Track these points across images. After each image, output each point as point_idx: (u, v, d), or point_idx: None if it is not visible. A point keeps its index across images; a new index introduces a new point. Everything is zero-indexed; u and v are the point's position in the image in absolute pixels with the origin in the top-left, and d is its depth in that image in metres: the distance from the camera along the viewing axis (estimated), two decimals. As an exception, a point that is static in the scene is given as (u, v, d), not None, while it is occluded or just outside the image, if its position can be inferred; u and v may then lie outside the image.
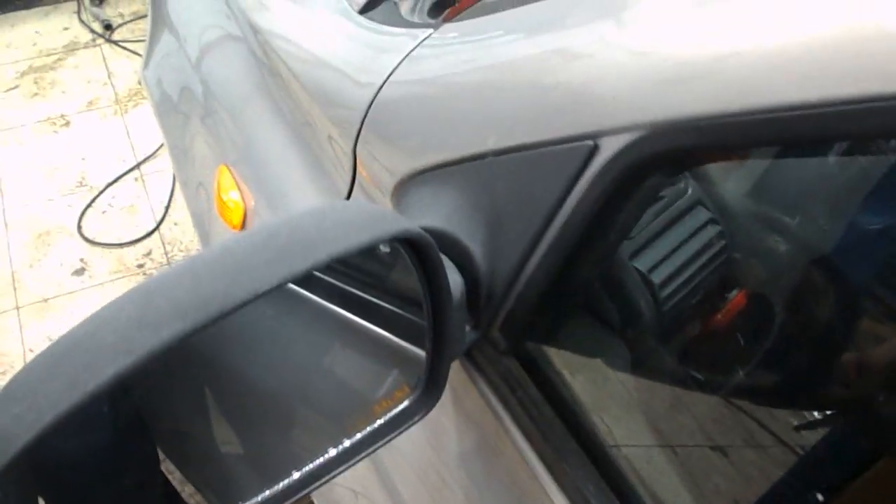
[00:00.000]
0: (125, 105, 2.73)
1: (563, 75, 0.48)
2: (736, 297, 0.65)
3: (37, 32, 3.07)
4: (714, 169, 0.61)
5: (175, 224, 2.34)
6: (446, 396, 0.57)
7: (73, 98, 2.77)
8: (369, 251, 0.43)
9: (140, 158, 2.53)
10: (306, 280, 0.59)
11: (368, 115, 0.67)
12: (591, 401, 0.58)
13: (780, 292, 0.62)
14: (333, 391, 0.63)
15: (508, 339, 0.57)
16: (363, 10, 0.82)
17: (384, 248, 0.46)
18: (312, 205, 0.83)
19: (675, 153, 0.42)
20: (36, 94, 2.79)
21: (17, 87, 2.82)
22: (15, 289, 2.18)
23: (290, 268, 0.37)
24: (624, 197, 0.46)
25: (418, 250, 0.44)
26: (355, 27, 0.77)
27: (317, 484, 0.51)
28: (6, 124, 2.66)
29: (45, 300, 2.15)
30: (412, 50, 0.64)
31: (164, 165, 2.50)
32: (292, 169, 0.87)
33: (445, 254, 0.53)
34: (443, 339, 0.50)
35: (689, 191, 0.64)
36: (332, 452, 0.53)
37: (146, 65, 1.46)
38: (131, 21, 3.12)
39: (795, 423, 0.54)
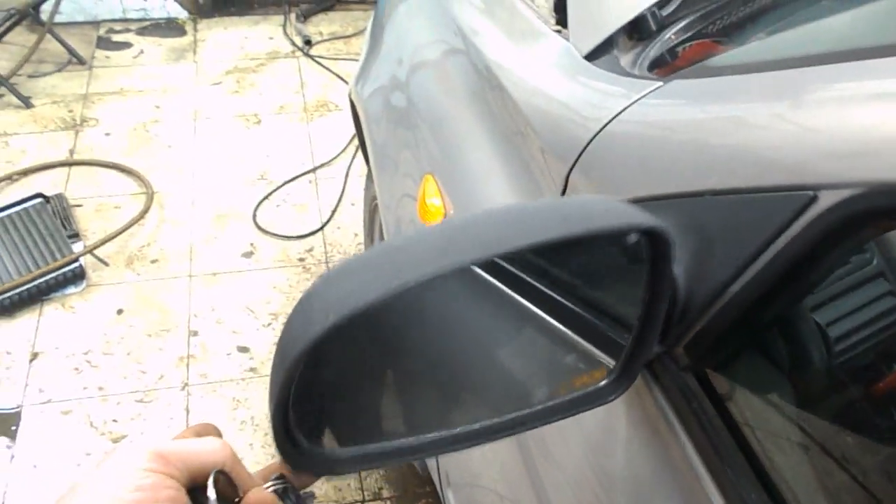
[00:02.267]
0: (311, 114, 2.98)
1: (789, 133, 0.55)
2: (902, 369, 0.69)
3: (245, 38, 3.40)
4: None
5: (338, 228, 2.53)
6: (620, 400, 0.66)
7: (268, 100, 3.04)
8: (616, 239, 0.53)
9: (317, 164, 2.75)
10: (533, 266, 0.68)
11: (589, 146, 0.77)
12: (755, 423, 0.64)
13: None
14: (518, 368, 0.72)
15: (690, 357, 0.64)
16: (587, 58, 0.93)
17: (632, 238, 0.55)
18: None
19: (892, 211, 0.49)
20: (236, 92, 3.09)
21: (221, 82, 3.13)
22: (191, 259, 2.41)
23: (566, 229, 0.46)
24: (830, 247, 0.53)
25: (658, 247, 0.53)
26: (583, 71, 0.88)
27: (486, 440, 0.58)
28: (207, 114, 2.96)
29: (215, 274, 2.37)
30: (642, 97, 0.74)
31: (336, 173, 2.71)
32: (497, 182, 0.98)
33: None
34: (649, 332, 0.58)
35: (875, 261, 0.69)
36: (512, 416, 0.61)
37: (358, 80, 1.63)
38: (328, 40, 3.41)
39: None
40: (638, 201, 0.70)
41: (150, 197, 2.56)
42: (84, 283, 2.30)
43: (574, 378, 0.66)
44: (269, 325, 2.23)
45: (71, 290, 2.28)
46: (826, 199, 0.51)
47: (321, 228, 2.52)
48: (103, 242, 2.35)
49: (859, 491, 0.66)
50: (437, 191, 1.08)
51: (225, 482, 0.43)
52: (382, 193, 1.43)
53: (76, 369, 2.10)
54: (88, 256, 2.34)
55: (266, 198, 2.62)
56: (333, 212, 2.57)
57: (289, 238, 2.49)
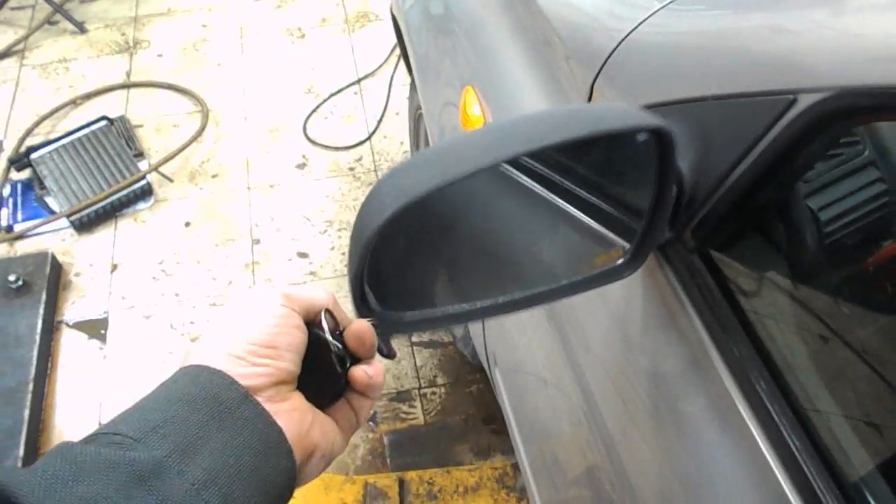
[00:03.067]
0: (353, 25, 3.04)
1: (774, 45, 0.64)
2: (889, 246, 0.79)
3: (285, -49, 3.43)
4: (889, 137, 0.76)
5: (384, 137, 2.64)
6: (638, 277, 0.77)
7: (310, 13, 3.11)
8: (627, 137, 0.63)
9: (361, 75, 2.83)
10: (552, 164, 0.79)
11: (612, 56, 0.86)
12: (753, 297, 0.75)
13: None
14: (548, 248, 0.84)
15: (696, 240, 0.75)
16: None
17: (641, 137, 0.65)
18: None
19: (859, 110, 0.58)
20: (279, 6, 3.15)
21: (264, -2, 3.20)
22: (248, 172, 2.55)
23: (586, 129, 0.57)
24: (808, 142, 0.63)
25: (663, 144, 0.64)
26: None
27: (524, 308, 0.70)
28: (252, 30, 3.04)
29: (271, 185, 2.51)
30: (658, 10, 0.82)
31: (381, 83, 2.79)
32: (529, 90, 1.07)
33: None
34: (657, 219, 0.69)
35: (866, 152, 0.78)
36: (544, 288, 0.73)
37: (399, -7, 1.70)
38: (366, -52, 3.42)
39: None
40: (654, 106, 0.79)
41: (206, 115, 2.69)
42: (152, 199, 2.47)
43: (596, 257, 0.77)
44: (325, 231, 2.38)
45: (141, 205, 2.46)
46: (804, 102, 0.61)
47: (368, 138, 2.63)
48: (166, 160, 2.51)
49: (847, 354, 0.78)
50: (477, 99, 1.18)
51: (331, 318, 0.56)
52: (426, 102, 1.53)
53: (153, 277, 2.29)
54: (154, 174, 2.50)
55: (314, 110, 2.72)
56: (379, 122, 2.67)
57: (338, 149, 2.61)
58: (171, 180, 2.52)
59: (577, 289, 0.72)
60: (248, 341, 0.51)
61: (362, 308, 0.58)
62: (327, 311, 0.56)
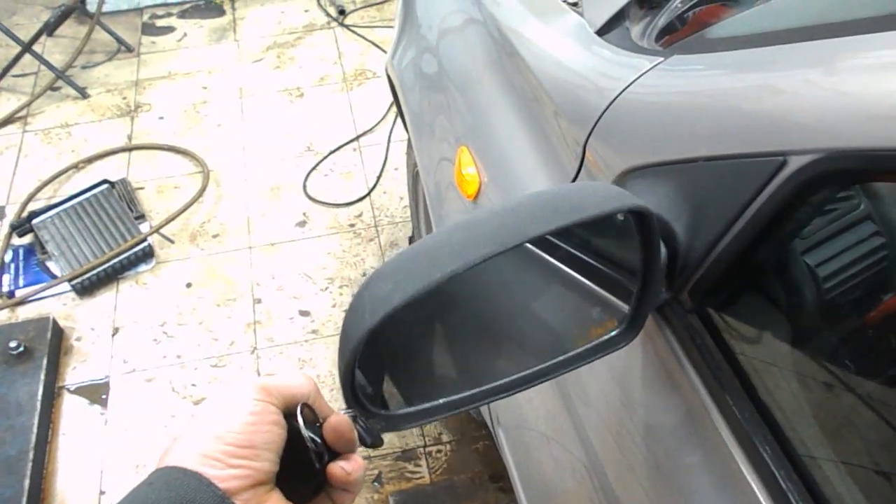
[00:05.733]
0: (350, 83, 3.08)
1: (765, 105, 0.64)
2: (890, 300, 0.78)
3: (282, 12, 3.50)
4: (884, 190, 0.76)
5: (384, 192, 2.65)
6: (638, 341, 0.76)
7: (308, 73, 3.15)
8: (609, 218, 0.63)
9: (360, 131, 2.86)
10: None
11: (603, 117, 0.86)
12: (753, 357, 0.74)
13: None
14: (547, 322, 0.83)
15: (694, 301, 0.74)
16: (599, 32, 1.02)
17: (620, 217, 0.65)
18: (540, 184, 1.04)
19: (849, 173, 0.58)
20: (277, 67, 3.20)
21: (262, 59, 3.25)
22: (249, 231, 2.56)
23: (565, 219, 0.57)
24: (800, 204, 0.63)
25: (642, 221, 0.63)
26: (597, 45, 0.96)
27: (523, 388, 0.70)
28: (252, 91, 3.09)
29: (272, 244, 2.52)
30: (647, 71, 0.83)
31: (379, 140, 2.81)
32: (521, 149, 1.08)
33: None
34: (647, 292, 0.69)
35: (862, 206, 0.78)
36: (542, 365, 0.72)
37: (394, 54, 1.72)
38: (362, 8, 3.49)
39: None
40: (647, 167, 0.79)
41: (207, 175, 2.71)
42: (154, 261, 2.48)
43: (592, 329, 0.76)
44: (326, 289, 2.38)
45: (143, 267, 2.46)
46: (794, 164, 0.60)
47: (368, 194, 2.65)
48: (168, 222, 2.52)
49: (849, 408, 0.76)
50: (472, 160, 1.19)
51: (309, 411, 0.55)
52: (422, 159, 1.54)
53: (155, 340, 2.28)
54: (156, 235, 2.51)
55: (314, 168, 2.75)
56: (378, 178, 2.69)
57: (338, 206, 2.62)
58: (172, 241, 2.53)
59: (577, 362, 0.71)
60: (225, 441, 0.50)
61: (357, 411, 0.58)
62: (304, 405, 0.55)
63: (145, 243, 2.45)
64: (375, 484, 1.94)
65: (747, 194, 0.65)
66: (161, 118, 3.00)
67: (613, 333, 0.72)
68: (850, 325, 0.80)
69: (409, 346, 0.75)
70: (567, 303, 0.84)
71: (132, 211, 2.57)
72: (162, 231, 2.52)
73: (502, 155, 1.12)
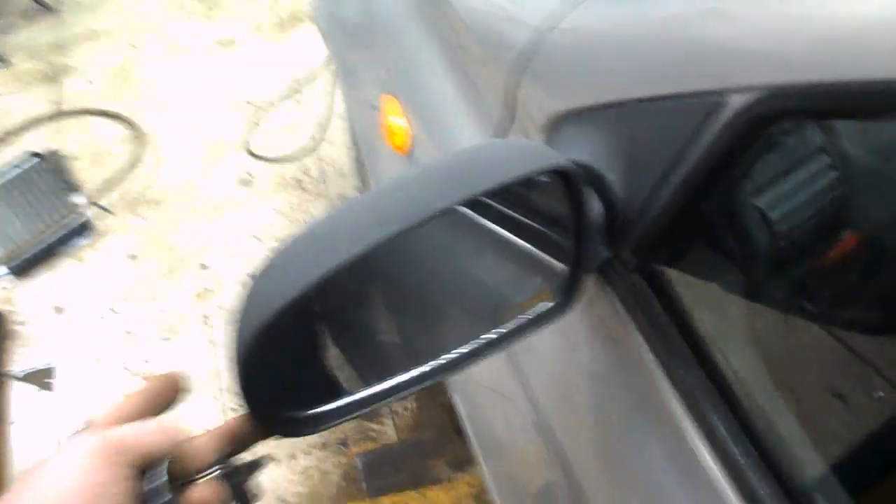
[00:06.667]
0: (286, 29, 2.93)
1: (707, 33, 0.56)
2: (848, 238, 0.72)
3: (209, -42, 3.30)
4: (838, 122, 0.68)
5: (331, 144, 2.54)
6: (580, 304, 0.69)
7: (240, 21, 3.00)
8: (530, 180, 0.55)
9: (301, 81, 2.73)
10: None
11: (532, 57, 0.77)
12: (703, 315, 0.68)
13: (891, 235, 0.70)
14: (483, 293, 0.76)
15: (637, 258, 0.67)
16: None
17: (544, 178, 0.58)
18: (471, 136, 0.95)
19: (793, 113, 0.51)
20: (208, 17, 3.03)
21: (190, 10, 3.08)
22: (191, 195, 2.45)
23: (472, 189, 0.49)
24: (742, 147, 0.55)
25: (568, 181, 0.56)
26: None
27: (460, 368, 0.63)
28: (182, 46, 2.93)
29: (217, 207, 2.41)
30: (579, 3, 0.74)
31: (322, 88, 2.68)
32: (449, 98, 0.98)
33: (590, 184, 0.64)
34: (582, 254, 0.61)
35: (814, 139, 0.71)
36: (478, 343, 0.66)
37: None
38: (294, -52, 3.30)
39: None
40: (580, 111, 0.71)
41: (142, 140, 2.57)
42: (92, 234, 2.36)
43: (528, 300, 0.69)
44: (277, 249, 2.29)
45: (81, 242, 2.34)
46: (732, 104, 0.53)
47: (315, 147, 2.53)
48: (103, 192, 2.39)
49: (801, 362, 0.71)
50: (400, 111, 1.09)
51: (175, 466, 0.48)
52: (350, 109, 1.44)
53: (101, 317, 2.18)
54: (93, 207, 2.39)
55: (256, 123, 2.62)
56: (324, 129, 2.57)
57: (283, 161, 2.51)
58: (111, 212, 2.41)
59: (514, 336, 0.64)
60: None
61: (260, 417, 0.50)
62: (169, 462, 0.47)
63: (82, 216, 2.33)
64: (341, 447, 1.89)
65: (683, 139, 0.57)
66: (90, 82, 2.84)
67: (553, 302, 0.65)
68: (807, 269, 0.74)
69: (354, 323, 0.68)
70: (503, 268, 0.76)
71: (65, 183, 2.44)
72: (99, 202, 2.39)
73: (432, 106, 1.03)
